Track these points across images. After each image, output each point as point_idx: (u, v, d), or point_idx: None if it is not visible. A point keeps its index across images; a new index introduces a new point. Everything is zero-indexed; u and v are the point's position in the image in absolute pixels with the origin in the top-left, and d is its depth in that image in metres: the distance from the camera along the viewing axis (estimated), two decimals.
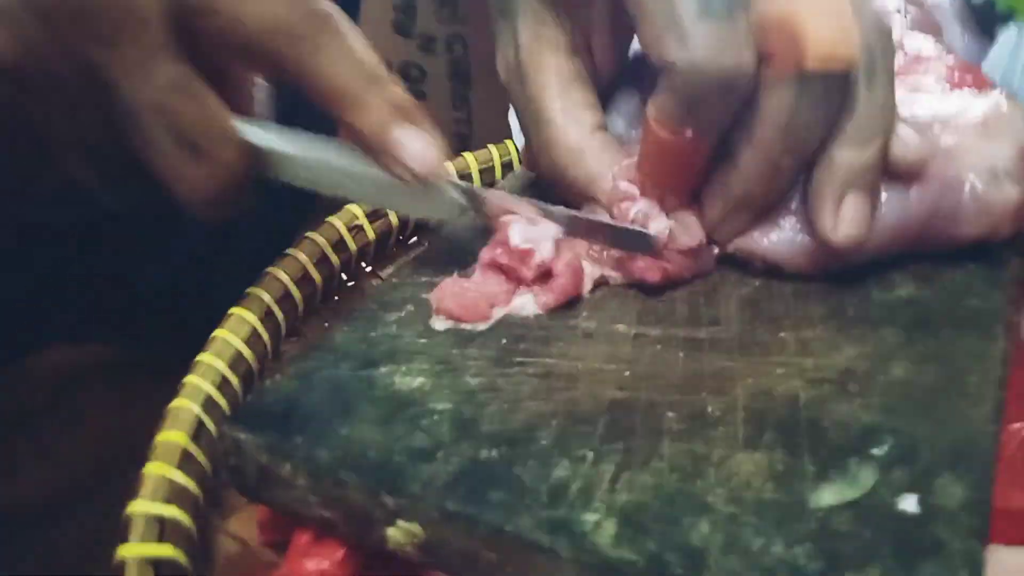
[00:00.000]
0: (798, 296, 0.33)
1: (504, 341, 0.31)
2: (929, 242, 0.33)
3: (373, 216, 0.42)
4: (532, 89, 0.33)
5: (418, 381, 0.29)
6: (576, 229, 0.33)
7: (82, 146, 0.31)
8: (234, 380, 0.33)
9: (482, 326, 0.31)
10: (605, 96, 0.35)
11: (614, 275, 0.33)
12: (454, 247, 0.35)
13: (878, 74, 0.30)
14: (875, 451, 0.26)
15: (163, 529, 0.28)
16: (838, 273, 0.33)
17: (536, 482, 0.25)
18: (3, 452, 0.48)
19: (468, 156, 0.45)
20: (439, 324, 0.32)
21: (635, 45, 0.36)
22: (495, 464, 0.26)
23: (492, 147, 0.46)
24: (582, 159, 0.33)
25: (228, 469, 0.28)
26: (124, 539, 0.28)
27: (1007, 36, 0.45)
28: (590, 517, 0.24)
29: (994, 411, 0.28)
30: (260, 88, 0.34)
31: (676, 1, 0.29)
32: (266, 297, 0.36)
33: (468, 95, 0.64)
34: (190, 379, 0.32)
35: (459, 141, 0.65)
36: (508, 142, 0.46)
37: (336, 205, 0.41)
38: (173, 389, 0.32)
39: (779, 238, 0.33)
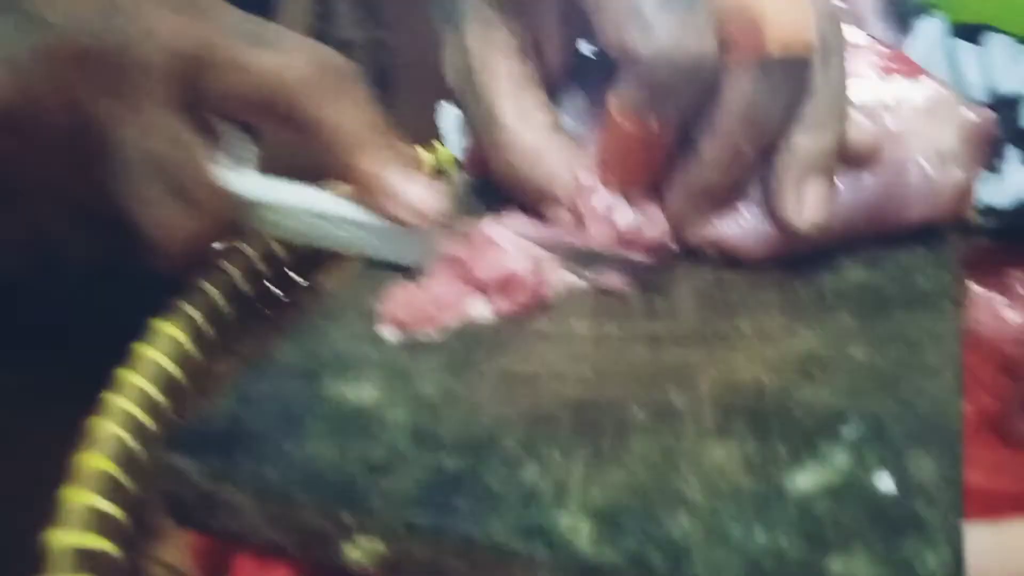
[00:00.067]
0: (751, 285, 0.32)
1: (459, 347, 0.30)
2: (881, 225, 0.33)
3: None
4: (484, 93, 0.33)
5: (370, 393, 0.28)
6: (568, 256, 0.32)
7: (61, 192, 0.32)
8: (158, 396, 0.31)
9: (435, 333, 0.30)
10: (551, 96, 0.35)
11: (571, 278, 0.33)
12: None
13: (832, 59, 0.31)
14: (845, 432, 0.26)
15: (88, 561, 0.26)
16: (789, 260, 0.33)
17: (505, 487, 0.24)
18: None
19: None
20: (388, 333, 0.30)
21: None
22: (459, 472, 0.25)
23: (419, 149, 0.44)
24: (540, 160, 0.33)
25: (164, 496, 0.26)
26: (40, 572, 0.25)
27: (925, 28, 0.46)
28: (565, 519, 0.23)
29: (955, 385, 0.28)
30: (238, 136, 0.35)
31: None
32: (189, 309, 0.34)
33: (389, 100, 0.63)
34: (109, 396, 0.30)
35: None
36: (437, 143, 0.45)
37: None
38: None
39: (737, 225, 0.32)
